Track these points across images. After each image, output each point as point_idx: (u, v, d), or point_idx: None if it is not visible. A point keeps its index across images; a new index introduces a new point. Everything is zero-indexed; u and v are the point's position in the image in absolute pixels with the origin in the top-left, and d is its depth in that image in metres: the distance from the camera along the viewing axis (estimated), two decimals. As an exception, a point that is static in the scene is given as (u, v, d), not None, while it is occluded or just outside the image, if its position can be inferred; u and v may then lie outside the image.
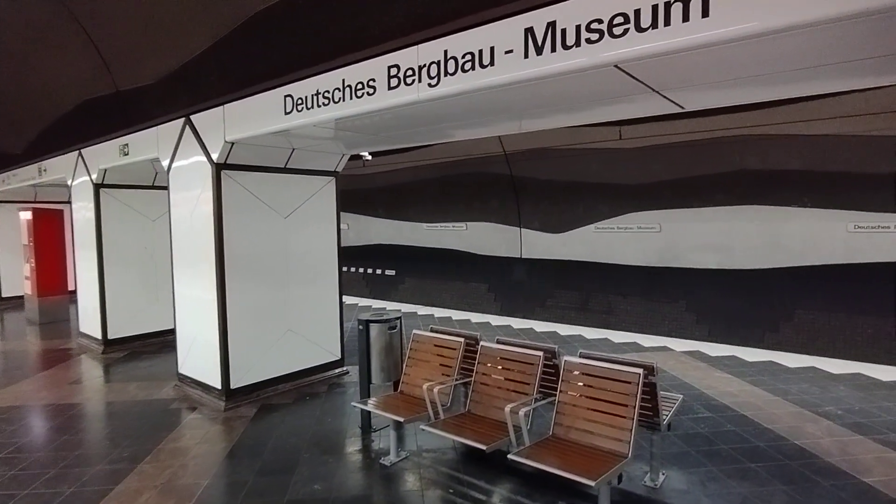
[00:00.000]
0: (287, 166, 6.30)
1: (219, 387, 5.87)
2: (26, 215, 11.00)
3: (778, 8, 2.36)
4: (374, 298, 15.32)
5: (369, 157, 12.62)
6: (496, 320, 11.00)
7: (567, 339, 8.89)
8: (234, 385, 5.87)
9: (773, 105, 8.88)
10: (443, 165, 15.38)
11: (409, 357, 4.83)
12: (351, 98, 4.18)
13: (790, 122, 9.48)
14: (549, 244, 14.42)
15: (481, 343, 4.47)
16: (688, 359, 7.61)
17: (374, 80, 4.01)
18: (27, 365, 7.90)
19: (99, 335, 8.52)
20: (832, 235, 10.15)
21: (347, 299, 13.33)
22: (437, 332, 4.89)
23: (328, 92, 4.35)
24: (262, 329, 6.16)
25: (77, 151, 8.70)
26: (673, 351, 8.10)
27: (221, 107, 5.48)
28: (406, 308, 12.48)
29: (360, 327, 5.11)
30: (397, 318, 5.23)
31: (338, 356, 6.99)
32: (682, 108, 4.03)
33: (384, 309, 12.19)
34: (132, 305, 8.73)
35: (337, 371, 6.93)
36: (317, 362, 6.71)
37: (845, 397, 5.88)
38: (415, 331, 4.92)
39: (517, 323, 10.69)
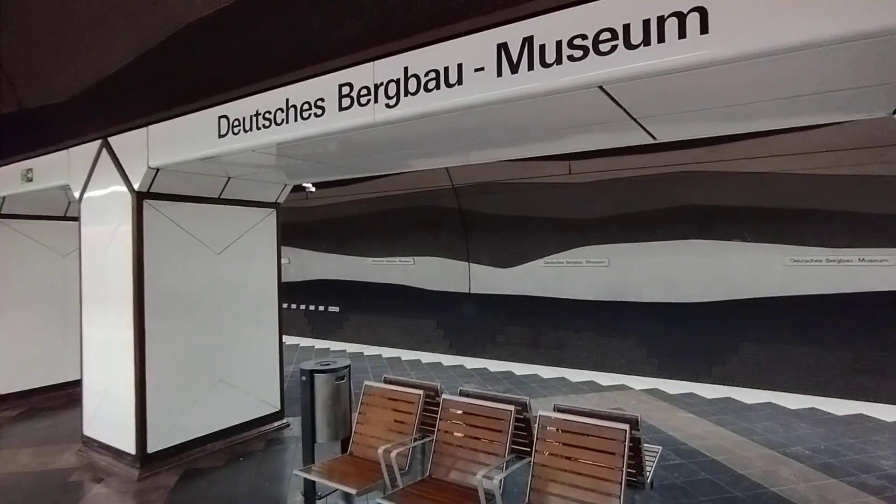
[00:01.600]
0: (222, 196, 5.66)
1: (132, 451, 5.00)
2: None
3: (784, 26, 2.13)
4: (316, 338, 14.43)
5: (313, 189, 12.02)
6: (447, 360, 10.48)
7: (523, 380, 8.49)
8: (151, 448, 5.02)
9: (714, 143, 9.11)
10: (390, 198, 15.01)
11: (359, 412, 4.24)
12: (296, 120, 3.69)
13: (730, 160, 9.76)
14: (499, 279, 14.20)
15: (443, 396, 3.97)
16: (648, 397, 7.38)
17: (322, 99, 3.55)
18: None
19: (-11, 389, 7.32)
20: (771, 269, 10.45)
21: (288, 339, 12.41)
22: (391, 382, 4.34)
23: (269, 113, 3.84)
24: (188, 380, 5.37)
25: (-27, 177, 7.62)
26: (632, 389, 7.87)
27: (145, 128, 4.83)
28: (351, 348, 11.75)
29: (304, 378, 4.48)
30: (345, 367, 4.64)
31: (277, 407, 6.23)
32: (655, 139, 3.82)
33: (327, 350, 11.40)
34: (33, 353, 7.58)
35: (276, 424, 6.16)
36: (253, 416, 5.93)
37: (808, 435, 5.76)
38: (366, 382, 4.34)
39: (470, 362, 10.22)
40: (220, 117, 4.17)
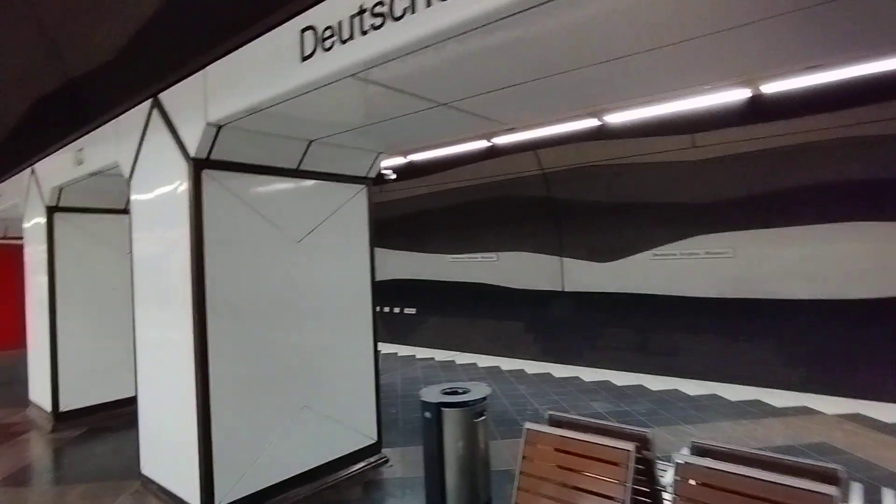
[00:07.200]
0: (300, 168, 4.37)
1: (196, 503, 3.77)
2: (-20, 253, 9.12)
3: None
4: (392, 343, 13.19)
5: (393, 176, 10.80)
6: (532, 366, 8.88)
7: (664, 397, 6.76)
8: (220, 499, 3.77)
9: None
10: (469, 189, 13.63)
11: (522, 473, 2.74)
12: (428, 4, 2.26)
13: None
14: (597, 275, 12.46)
15: (682, 456, 2.39)
16: (854, 427, 5.45)
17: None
18: (-54, 453, 5.82)
19: (49, 406, 6.45)
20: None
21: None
22: (563, 425, 2.83)
23: (381, 4, 2.44)
24: (265, 407, 4.09)
25: (31, 168, 6.84)
26: (821, 413, 5.96)
27: (202, 71, 3.59)
28: (438, 355, 10.40)
29: (428, 415, 3.06)
30: (482, 399, 3.18)
31: (373, 438, 4.88)
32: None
33: (412, 358, 10.06)
34: (95, 365, 6.67)
35: (373, 459, 4.81)
36: (345, 451, 4.60)
37: None
38: (528, 425, 2.83)
39: (558, 370, 8.58)
40: (303, 31, 2.81)
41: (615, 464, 2.44)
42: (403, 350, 10.87)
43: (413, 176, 12.65)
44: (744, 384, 7.42)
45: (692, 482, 2.23)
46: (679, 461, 2.28)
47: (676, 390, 7.11)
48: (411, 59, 2.56)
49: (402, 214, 15.15)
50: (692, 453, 2.48)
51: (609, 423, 2.73)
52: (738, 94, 6.66)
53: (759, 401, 6.50)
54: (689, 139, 9.63)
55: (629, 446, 2.43)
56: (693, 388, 7.19)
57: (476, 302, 14.43)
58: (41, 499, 4.59)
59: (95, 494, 4.53)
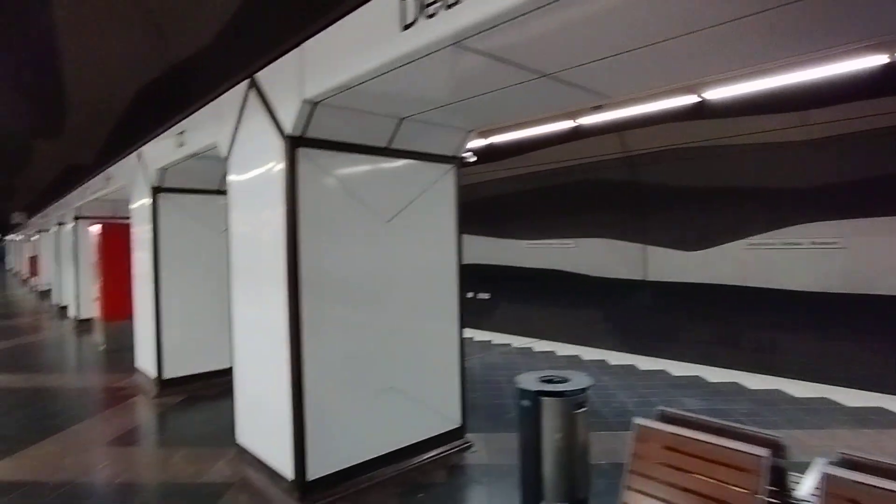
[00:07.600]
0: (390, 146, 4.31)
1: (289, 476, 3.86)
2: (94, 230, 9.95)
3: None
4: (467, 327, 13.15)
5: (473, 158, 10.64)
6: (614, 357, 8.47)
7: (727, 390, 6.22)
8: (311, 474, 3.84)
9: None
10: (547, 173, 13.26)
11: (632, 472, 2.53)
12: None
13: None
14: (684, 264, 11.75)
15: (821, 469, 2.09)
16: None
17: None
18: (66, 412, 6.38)
19: (153, 373, 6.92)
20: None
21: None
22: (678, 422, 2.58)
23: (492, -37, 2.26)
24: (354, 386, 4.12)
25: (138, 151, 7.31)
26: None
27: (298, 48, 3.59)
28: (498, 339, 10.26)
29: (526, 403, 2.91)
30: (584, 389, 2.98)
31: (457, 422, 4.81)
32: None
33: (488, 343, 9.94)
34: (194, 337, 7.08)
35: (457, 444, 4.75)
36: (429, 433, 4.57)
37: None
38: (638, 420, 2.61)
39: (643, 362, 8.12)
40: (403, -2, 2.70)
41: (744, 470, 2.18)
42: (479, 335, 10.75)
43: (491, 159, 12.44)
44: (861, 388, 6.69)
45: (840, 498, 1.94)
46: (825, 472, 2.00)
47: (778, 391, 6.51)
48: (521, 24, 2.37)
49: (479, 198, 15.02)
50: (835, 464, 2.17)
51: (729, 424, 2.46)
52: (864, 63, 5.89)
53: (882, 408, 5.81)
54: (797, 117, 8.76)
55: (762, 452, 2.16)
56: (798, 389, 6.56)
57: (552, 289, 14.12)
58: (150, 459, 4.93)
59: (196, 458, 4.79)
